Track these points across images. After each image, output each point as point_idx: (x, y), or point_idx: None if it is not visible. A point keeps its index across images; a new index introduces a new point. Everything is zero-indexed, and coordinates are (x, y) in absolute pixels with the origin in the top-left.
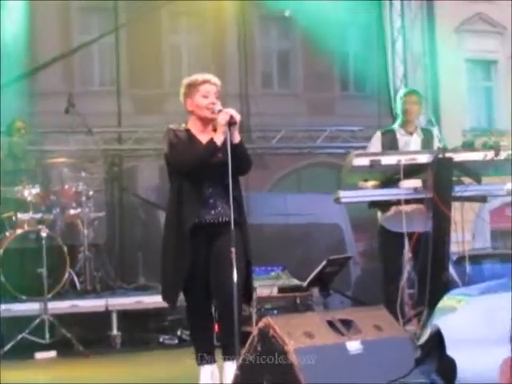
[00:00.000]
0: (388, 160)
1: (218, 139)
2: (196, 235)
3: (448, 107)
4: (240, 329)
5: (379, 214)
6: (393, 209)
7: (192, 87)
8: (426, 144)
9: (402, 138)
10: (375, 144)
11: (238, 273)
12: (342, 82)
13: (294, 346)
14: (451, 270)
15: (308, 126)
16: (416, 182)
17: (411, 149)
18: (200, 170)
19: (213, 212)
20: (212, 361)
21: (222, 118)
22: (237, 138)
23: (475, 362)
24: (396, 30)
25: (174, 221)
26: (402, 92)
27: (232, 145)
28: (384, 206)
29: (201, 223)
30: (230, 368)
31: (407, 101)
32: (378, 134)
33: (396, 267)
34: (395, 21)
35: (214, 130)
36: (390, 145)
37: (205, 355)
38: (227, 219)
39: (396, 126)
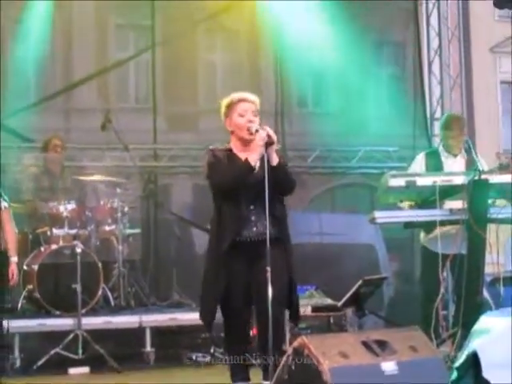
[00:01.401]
0: (423, 181)
1: (253, 159)
2: (237, 253)
3: (482, 129)
4: (280, 347)
5: (422, 234)
6: (436, 230)
7: (230, 107)
8: (470, 165)
9: (446, 160)
10: (419, 164)
11: (277, 291)
12: (377, 101)
13: (329, 366)
14: (485, 291)
15: (342, 146)
16: (455, 203)
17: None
18: (238, 190)
19: (254, 230)
20: (247, 379)
21: (260, 138)
22: (275, 160)
23: None
24: (433, 50)
25: (214, 240)
26: (444, 117)
27: (271, 166)
28: (423, 226)
29: (242, 241)
30: None
31: (448, 136)
32: (422, 155)
33: (435, 287)
34: (432, 40)
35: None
36: (435, 166)
37: (239, 373)
38: (269, 237)
39: (440, 147)
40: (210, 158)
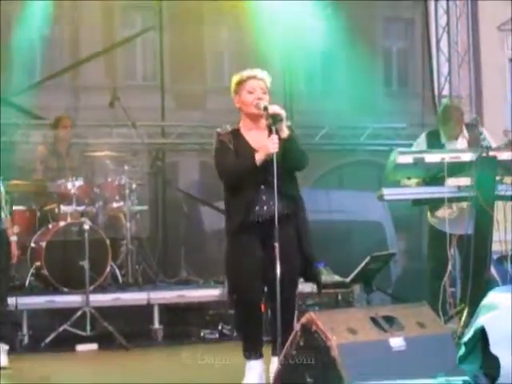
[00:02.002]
0: (432, 158)
1: (259, 158)
2: (249, 232)
3: (491, 106)
4: (292, 324)
5: (428, 212)
6: (442, 208)
7: (239, 84)
8: (473, 141)
9: (447, 143)
10: (421, 145)
11: (288, 269)
12: (385, 78)
13: (337, 342)
14: (492, 269)
15: (350, 124)
16: (463, 180)
17: None
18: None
19: (265, 208)
20: (259, 355)
21: (272, 147)
22: (285, 133)
23: None
24: (441, 27)
25: (229, 219)
26: (441, 110)
27: (281, 140)
28: (430, 203)
29: (254, 220)
30: (276, 363)
31: (445, 131)
32: (423, 136)
33: (443, 265)
34: (440, 18)
35: (268, 128)
36: (436, 147)
37: (253, 349)
38: (280, 215)
39: (442, 132)
40: (215, 144)
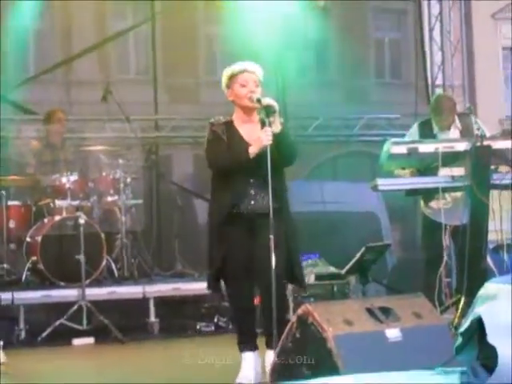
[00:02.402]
0: (425, 148)
1: (253, 151)
2: (236, 224)
3: (484, 95)
4: (283, 316)
5: (422, 202)
6: (436, 198)
7: (231, 78)
8: (466, 131)
9: (439, 133)
10: (413, 136)
11: (277, 261)
12: (378, 69)
13: (333, 333)
14: (488, 258)
15: (344, 114)
16: (457, 170)
17: None
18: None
19: (252, 202)
20: (254, 348)
21: (266, 139)
22: (278, 127)
23: None
24: (434, 16)
25: (212, 213)
26: (432, 102)
27: (274, 135)
28: (424, 194)
29: (241, 213)
30: (271, 356)
31: (437, 121)
32: (415, 127)
33: (438, 255)
34: (433, 7)
35: (262, 121)
36: (428, 137)
37: (247, 342)
38: (267, 210)
39: (434, 122)
40: (208, 135)
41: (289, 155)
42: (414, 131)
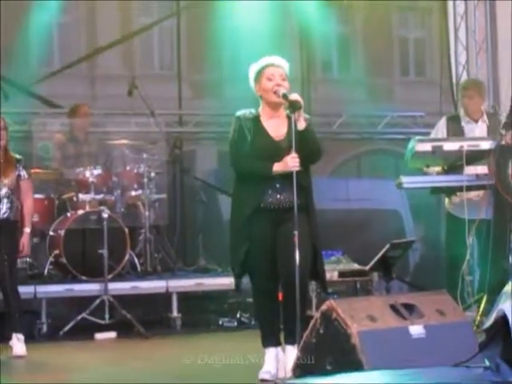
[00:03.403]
0: (450, 146)
1: (276, 169)
2: (261, 219)
3: (509, 95)
4: (304, 312)
5: (446, 200)
6: (459, 195)
7: (258, 72)
8: (493, 130)
9: (467, 125)
10: (441, 129)
11: (301, 256)
12: (402, 67)
13: (357, 329)
14: (510, 257)
15: (368, 112)
16: (481, 168)
17: (476, 136)
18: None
19: (278, 197)
20: (277, 343)
21: (292, 165)
22: (302, 125)
23: None
24: (459, 15)
25: (237, 207)
26: (463, 80)
27: (298, 131)
28: (449, 192)
29: (265, 208)
30: (292, 352)
31: (464, 95)
32: (444, 120)
33: (461, 254)
34: (458, 6)
35: (287, 117)
36: (455, 131)
37: (270, 337)
38: (292, 204)
39: (461, 112)
40: (234, 129)
41: (314, 152)
42: (441, 124)
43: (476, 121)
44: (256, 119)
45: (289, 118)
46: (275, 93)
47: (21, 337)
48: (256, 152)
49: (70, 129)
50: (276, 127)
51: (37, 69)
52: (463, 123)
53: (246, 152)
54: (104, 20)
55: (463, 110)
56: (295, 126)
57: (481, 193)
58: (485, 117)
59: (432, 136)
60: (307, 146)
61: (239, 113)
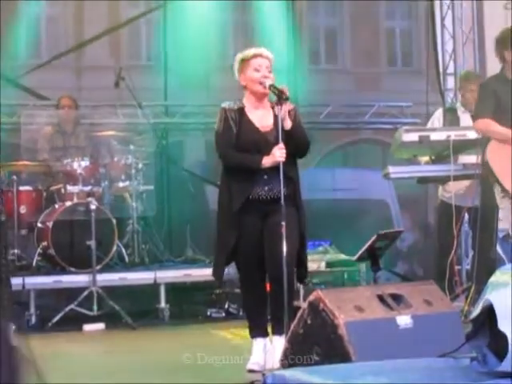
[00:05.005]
0: (437, 136)
1: (265, 162)
2: (250, 210)
3: None
4: (291, 303)
5: (440, 187)
6: (453, 182)
7: (244, 62)
8: None
9: (463, 115)
10: (437, 120)
11: (289, 247)
12: (389, 56)
13: (344, 320)
14: (498, 247)
15: (355, 102)
16: (470, 158)
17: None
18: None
19: (266, 188)
20: (265, 334)
21: (279, 156)
22: (288, 125)
23: None
24: (445, 4)
25: (226, 199)
26: (464, 71)
27: (285, 130)
28: (438, 181)
29: (254, 199)
30: (279, 342)
31: (467, 88)
32: (440, 111)
33: (452, 242)
34: None
35: (271, 107)
36: (452, 122)
37: (258, 328)
38: (280, 195)
39: (458, 103)
40: (219, 120)
41: (301, 149)
42: (437, 116)
43: (472, 111)
44: (241, 110)
45: (273, 109)
46: (261, 84)
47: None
48: (243, 144)
49: (57, 121)
50: (261, 118)
51: (24, 60)
52: (459, 113)
53: (232, 144)
54: (92, 12)
55: (462, 101)
56: (282, 121)
57: (473, 181)
58: None
59: (429, 126)
60: (295, 143)
61: (225, 104)
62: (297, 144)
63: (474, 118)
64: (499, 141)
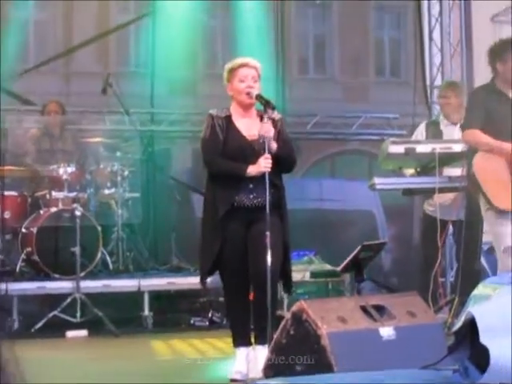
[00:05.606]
0: (423, 148)
1: (250, 171)
2: (234, 217)
3: None
4: (274, 313)
5: (425, 201)
6: (437, 195)
7: (231, 71)
8: None
9: (445, 128)
10: (420, 133)
11: (273, 257)
12: (378, 67)
13: (327, 330)
14: (482, 259)
15: (343, 112)
16: (455, 171)
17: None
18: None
19: (251, 196)
20: (248, 343)
21: (265, 166)
22: (274, 147)
23: (508, 351)
24: (434, 17)
25: (210, 207)
26: (442, 83)
27: (272, 154)
28: (424, 193)
29: (239, 206)
30: (262, 351)
31: (440, 95)
32: (423, 125)
33: (437, 254)
34: (433, 7)
35: (259, 116)
36: (434, 135)
37: (241, 337)
38: (265, 204)
39: (441, 116)
40: (206, 127)
41: (286, 168)
42: (421, 129)
43: (455, 124)
44: (228, 118)
45: (262, 117)
46: (247, 94)
47: None
48: (229, 151)
49: (44, 125)
50: (248, 126)
51: (12, 65)
52: (442, 127)
53: (218, 150)
54: (80, 17)
55: (443, 113)
56: (268, 144)
57: (458, 194)
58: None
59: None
60: (281, 163)
61: (212, 110)
62: (283, 164)
63: (463, 128)
64: (486, 152)
